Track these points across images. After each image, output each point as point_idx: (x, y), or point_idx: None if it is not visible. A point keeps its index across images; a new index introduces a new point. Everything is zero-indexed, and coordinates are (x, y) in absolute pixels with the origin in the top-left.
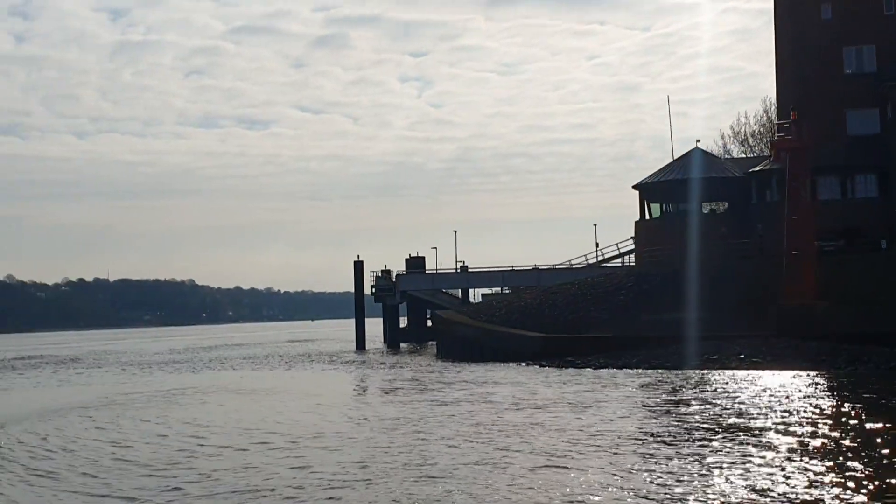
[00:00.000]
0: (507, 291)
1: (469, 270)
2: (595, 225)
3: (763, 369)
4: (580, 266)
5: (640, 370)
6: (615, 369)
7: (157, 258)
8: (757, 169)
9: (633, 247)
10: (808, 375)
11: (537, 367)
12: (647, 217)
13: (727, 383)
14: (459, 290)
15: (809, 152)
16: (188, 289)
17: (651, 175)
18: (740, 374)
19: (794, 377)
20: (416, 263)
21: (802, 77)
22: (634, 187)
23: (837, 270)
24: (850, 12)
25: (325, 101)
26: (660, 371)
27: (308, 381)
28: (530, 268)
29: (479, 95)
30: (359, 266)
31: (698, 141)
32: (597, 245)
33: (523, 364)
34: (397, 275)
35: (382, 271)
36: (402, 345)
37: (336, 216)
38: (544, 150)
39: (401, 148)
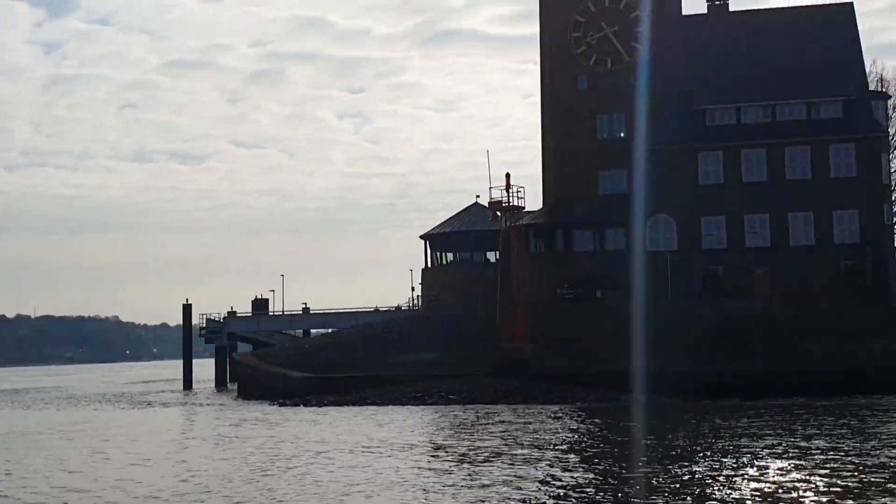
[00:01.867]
0: (331, 332)
1: (310, 312)
2: None
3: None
4: (385, 309)
5: (370, 407)
6: (351, 406)
7: (86, 294)
8: (519, 223)
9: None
10: (511, 411)
11: (296, 406)
12: (432, 265)
13: (389, 422)
14: (302, 331)
15: (521, 212)
16: (112, 325)
17: (437, 226)
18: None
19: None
20: (259, 305)
21: (561, 140)
22: (421, 237)
23: (556, 317)
24: (602, 83)
25: (261, 135)
26: (372, 408)
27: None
28: (352, 310)
29: (417, 132)
30: (187, 309)
31: (478, 196)
32: (412, 289)
33: (288, 403)
34: (224, 317)
35: (229, 313)
36: (231, 385)
37: (272, 252)
38: (482, 186)
39: (338, 183)
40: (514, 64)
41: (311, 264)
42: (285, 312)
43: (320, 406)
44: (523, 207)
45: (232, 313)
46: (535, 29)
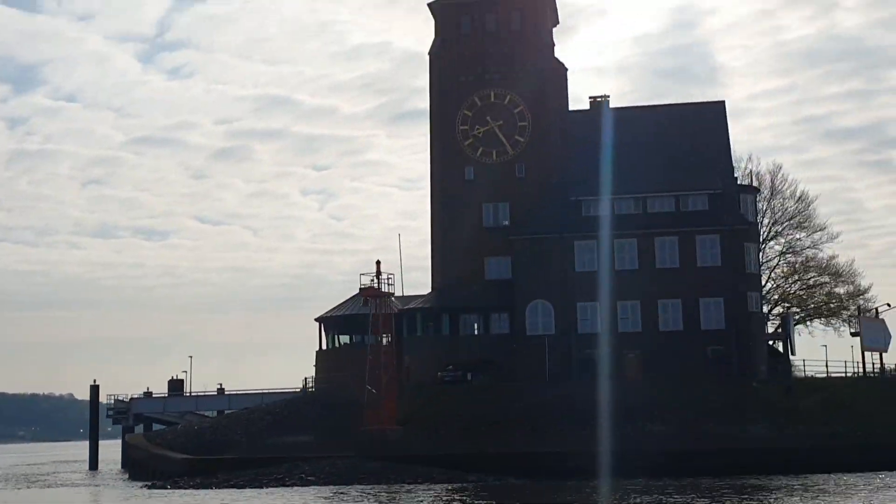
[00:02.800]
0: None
1: (224, 392)
2: None
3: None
4: (289, 390)
5: (232, 490)
6: (216, 489)
7: (41, 371)
8: (407, 307)
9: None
10: (360, 492)
11: (165, 489)
12: (327, 347)
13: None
14: (216, 412)
15: (391, 299)
16: (66, 403)
17: (332, 308)
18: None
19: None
20: (174, 385)
21: (449, 228)
22: (316, 320)
23: (428, 399)
24: (488, 174)
25: (225, 212)
26: (234, 490)
27: None
28: (258, 391)
29: (382, 209)
30: (95, 390)
31: (372, 280)
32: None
33: (158, 485)
34: (131, 398)
35: (145, 393)
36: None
37: (234, 328)
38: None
39: (302, 260)
40: None
41: (266, 343)
42: (193, 393)
43: (187, 488)
44: (392, 294)
45: (148, 393)
46: None
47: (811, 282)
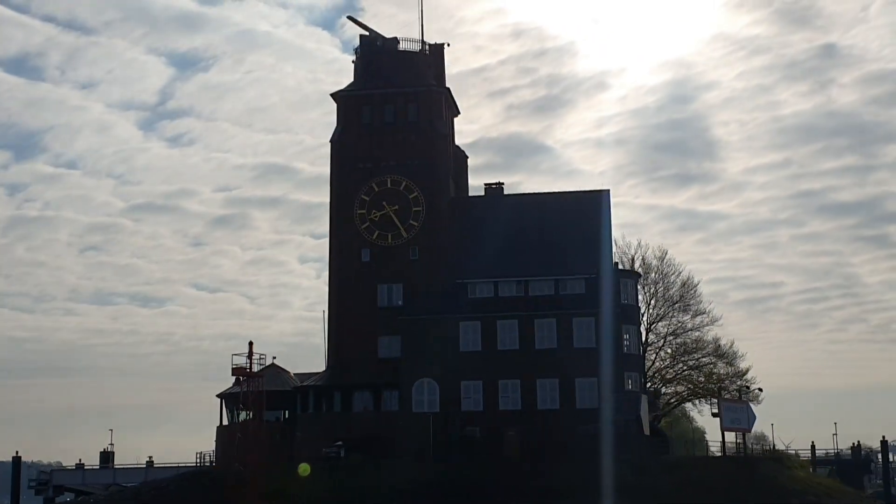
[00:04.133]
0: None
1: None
2: None
3: None
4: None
5: None
6: None
7: (33, 440)
8: (301, 384)
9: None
10: None
11: None
12: (229, 422)
13: None
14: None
15: (258, 379)
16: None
17: (233, 384)
18: None
19: None
20: (105, 457)
21: (345, 307)
22: (218, 396)
23: (312, 475)
24: (383, 256)
25: (222, 279)
26: None
27: None
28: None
29: None
30: (17, 461)
31: (275, 358)
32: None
33: None
34: (52, 470)
35: (77, 465)
36: None
37: None
38: None
39: (298, 328)
40: None
41: None
42: (116, 465)
43: None
44: (262, 375)
45: (80, 465)
46: (507, 178)
47: (692, 363)
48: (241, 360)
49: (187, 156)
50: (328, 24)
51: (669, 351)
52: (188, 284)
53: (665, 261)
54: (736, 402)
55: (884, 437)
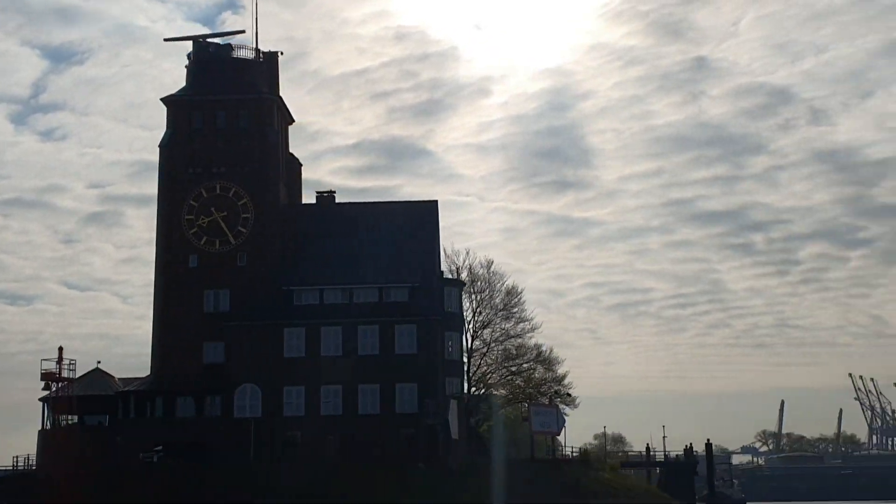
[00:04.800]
0: None
1: None
2: None
3: None
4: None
5: None
6: None
7: None
8: (124, 389)
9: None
10: None
11: None
12: (52, 426)
13: None
14: None
15: (71, 383)
16: None
17: (56, 389)
18: None
19: None
20: None
21: (171, 312)
22: (40, 399)
23: (128, 480)
24: (211, 262)
25: (93, 278)
26: None
27: None
28: None
29: None
30: None
31: (99, 362)
32: None
33: None
34: None
35: None
36: None
37: None
38: None
39: None
40: None
41: None
42: None
43: None
44: (72, 379)
45: None
46: (388, 182)
47: (514, 368)
48: (51, 366)
49: (60, 150)
50: (208, 20)
51: (494, 357)
52: (58, 282)
53: (491, 270)
54: (546, 406)
55: (708, 439)
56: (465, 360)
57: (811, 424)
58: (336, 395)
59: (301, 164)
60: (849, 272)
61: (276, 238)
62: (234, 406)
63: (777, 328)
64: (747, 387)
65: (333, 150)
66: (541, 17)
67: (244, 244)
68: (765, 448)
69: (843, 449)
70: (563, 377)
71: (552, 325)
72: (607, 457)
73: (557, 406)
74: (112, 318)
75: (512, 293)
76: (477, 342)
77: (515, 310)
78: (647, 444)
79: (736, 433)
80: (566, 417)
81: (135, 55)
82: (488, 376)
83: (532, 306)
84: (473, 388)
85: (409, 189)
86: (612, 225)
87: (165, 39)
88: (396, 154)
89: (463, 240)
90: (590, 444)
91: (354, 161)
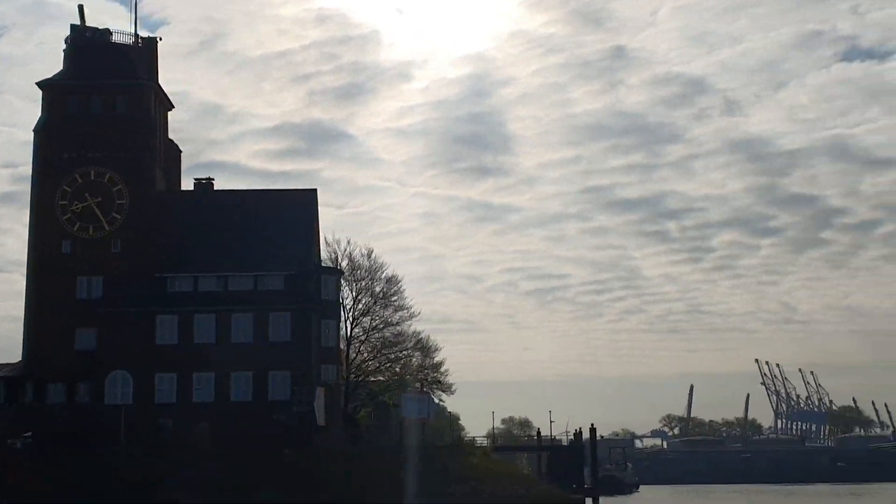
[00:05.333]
0: None
1: None
2: None
3: None
4: None
5: None
6: None
7: None
8: None
9: None
10: None
11: None
12: None
13: None
14: None
15: None
16: None
17: None
18: None
19: None
20: None
21: (43, 298)
22: None
23: None
24: (84, 248)
25: (4, 258)
26: None
27: None
28: None
29: None
30: None
31: None
32: None
33: None
34: None
35: None
36: None
37: None
38: None
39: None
40: None
41: None
42: None
43: None
44: None
45: None
46: (308, 165)
47: (392, 356)
48: None
49: None
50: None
51: (373, 344)
52: None
53: (371, 258)
54: (418, 393)
55: (592, 424)
56: (345, 347)
57: (719, 409)
58: (208, 383)
59: (181, 151)
60: (760, 260)
61: (151, 225)
62: (105, 393)
63: (690, 314)
64: (660, 371)
65: (253, 132)
66: (462, 3)
67: (119, 230)
68: (672, 432)
69: (746, 433)
70: (440, 364)
71: (471, 310)
72: (497, 441)
73: (429, 393)
74: (21, 301)
75: (392, 282)
76: (357, 330)
77: (395, 298)
78: (538, 430)
79: (647, 417)
80: (440, 404)
81: (50, 33)
82: (367, 364)
83: (412, 294)
84: (353, 376)
85: (329, 173)
86: (530, 211)
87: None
88: (317, 138)
89: (383, 224)
90: (497, 428)
91: (275, 144)
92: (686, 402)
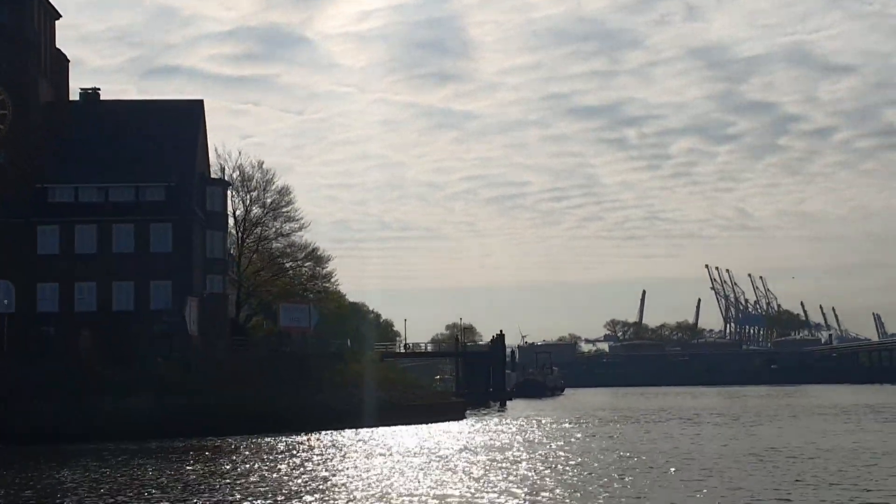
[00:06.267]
0: None
1: None
2: None
3: None
4: None
5: None
6: None
7: None
8: None
9: None
10: None
11: None
12: None
13: None
14: None
15: None
16: None
17: None
18: None
19: None
20: None
21: None
22: None
23: None
24: None
25: None
26: None
27: None
28: None
29: None
30: None
31: None
32: None
33: None
34: None
35: None
36: None
37: None
38: None
39: None
40: (233, 104)
41: None
42: None
43: None
44: None
45: None
46: (265, 70)
47: (285, 265)
48: None
49: None
50: None
51: (264, 255)
52: None
53: (262, 170)
54: (298, 302)
55: (500, 330)
56: (236, 258)
57: (673, 314)
58: (90, 293)
59: (69, 61)
60: (717, 166)
61: (34, 135)
62: None
63: (647, 220)
64: (616, 277)
65: (209, 36)
66: None
67: (2, 142)
68: (621, 336)
69: (684, 337)
70: (330, 275)
71: (432, 218)
72: (413, 348)
73: (310, 303)
74: None
75: (283, 193)
76: (250, 241)
77: (286, 209)
78: (457, 336)
79: (600, 322)
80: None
81: None
82: (260, 274)
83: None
84: (246, 286)
85: (287, 78)
86: (490, 118)
87: None
88: (274, 42)
89: (342, 131)
90: (440, 334)
91: (231, 48)
92: (638, 308)
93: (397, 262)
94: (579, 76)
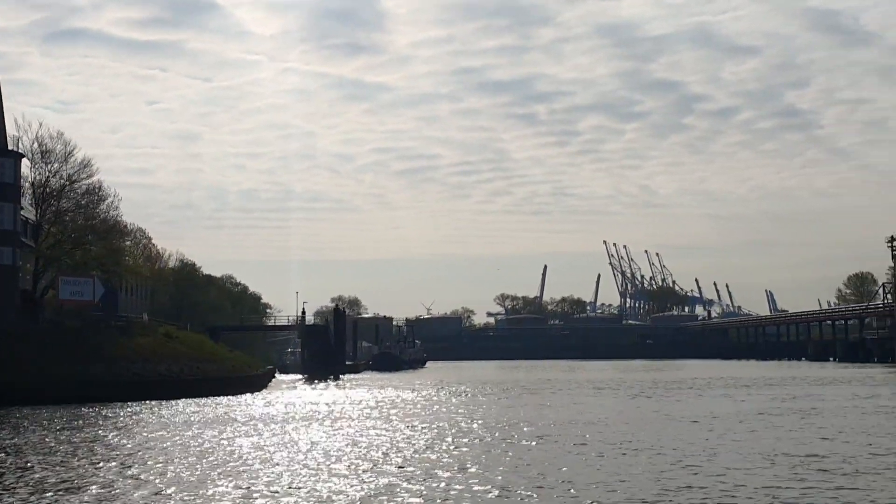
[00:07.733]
0: None
1: None
2: None
3: None
4: None
5: None
6: None
7: None
8: None
9: None
10: None
11: None
12: None
13: None
14: None
15: None
16: None
17: None
18: None
19: None
20: None
21: None
22: None
23: None
24: None
25: None
26: None
27: None
28: None
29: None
30: None
31: None
32: None
33: None
34: None
35: None
36: None
37: None
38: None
39: None
40: (139, 69)
41: None
42: None
43: None
44: None
45: None
46: (173, 35)
47: (81, 239)
48: None
49: None
50: None
51: (63, 228)
52: None
53: (63, 141)
54: (81, 276)
55: (337, 304)
56: (31, 230)
57: (575, 288)
58: None
59: None
60: (623, 144)
61: None
62: None
63: (554, 196)
64: (522, 251)
65: None
66: None
67: None
68: (512, 308)
69: (565, 310)
70: (122, 250)
71: (342, 190)
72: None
73: (95, 276)
74: None
75: (84, 164)
76: (49, 213)
77: (87, 182)
78: (303, 308)
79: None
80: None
81: None
82: (62, 246)
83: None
84: (42, 259)
85: (195, 45)
86: (402, 91)
87: None
88: (183, 7)
89: (253, 99)
90: (325, 306)
91: (138, 13)
92: (540, 282)
93: (306, 233)
94: (490, 51)
